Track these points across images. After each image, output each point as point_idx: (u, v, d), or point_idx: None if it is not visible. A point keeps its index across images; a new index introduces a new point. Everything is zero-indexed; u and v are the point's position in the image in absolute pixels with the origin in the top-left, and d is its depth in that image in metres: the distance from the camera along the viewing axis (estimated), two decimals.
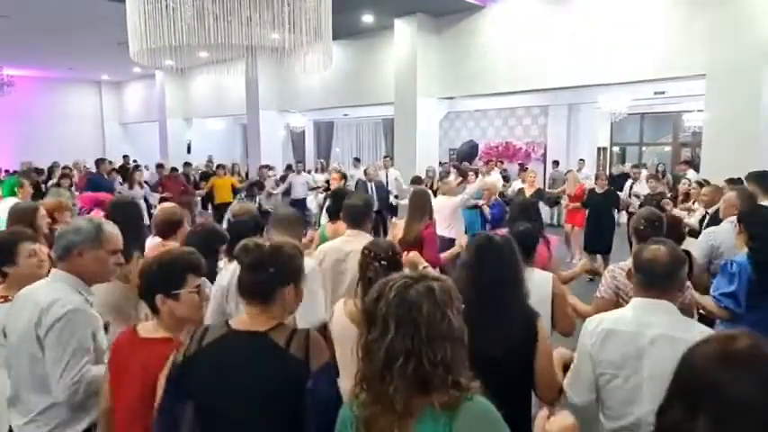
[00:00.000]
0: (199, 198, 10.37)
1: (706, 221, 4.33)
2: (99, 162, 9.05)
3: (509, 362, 1.87)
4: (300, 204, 10.05)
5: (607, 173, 10.71)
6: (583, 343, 1.91)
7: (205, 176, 11.35)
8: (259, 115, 13.34)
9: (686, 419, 1.00)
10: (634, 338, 1.80)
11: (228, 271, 2.52)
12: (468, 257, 2.12)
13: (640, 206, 6.09)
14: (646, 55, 7.70)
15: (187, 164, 12.06)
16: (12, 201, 5.02)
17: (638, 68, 7.86)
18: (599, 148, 13.58)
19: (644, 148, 14.33)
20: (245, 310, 1.63)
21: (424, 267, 3.13)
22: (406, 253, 3.19)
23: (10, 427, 1.98)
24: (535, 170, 9.93)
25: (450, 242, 5.10)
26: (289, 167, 11.71)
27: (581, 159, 12.16)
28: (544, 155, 13.30)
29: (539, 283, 2.52)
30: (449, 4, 9.32)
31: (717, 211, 4.11)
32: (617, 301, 2.62)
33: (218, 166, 11.15)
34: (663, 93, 10.27)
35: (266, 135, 13.52)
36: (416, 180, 8.31)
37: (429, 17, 9.94)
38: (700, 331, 1.73)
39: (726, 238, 3.31)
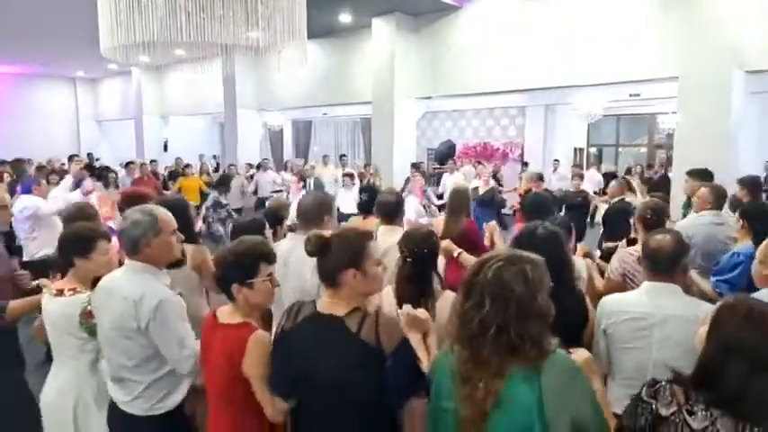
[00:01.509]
0: None
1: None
2: (70, 159, 8.84)
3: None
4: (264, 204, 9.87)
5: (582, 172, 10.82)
6: (599, 321, 2.17)
7: (173, 176, 10.96)
8: (236, 114, 13.21)
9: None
10: (646, 317, 2.07)
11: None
12: (510, 248, 2.16)
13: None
14: (620, 57, 7.82)
15: (153, 161, 11.66)
16: (28, 198, 5.11)
17: (613, 70, 7.98)
18: (575, 149, 13.76)
19: (620, 149, 14.58)
20: (327, 294, 1.77)
21: (459, 254, 3.42)
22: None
23: (111, 400, 2.15)
24: (485, 168, 9.81)
25: None
26: (258, 166, 11.55)
27: (555, 160, 12.29)
28: (522, 155, 13.41)
29: (578, 269, 2.77)
30: (426, 4, 9.35)
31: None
32: (624, 282, 2.90)
33: (186, 166, 10.84)
34: (638, 95, 10.44)
35: (244, 134, 13.41)
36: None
37: (407, 16, 9.95)
38: (706, 309, 1.91)
39: (697, 231, 3.51)
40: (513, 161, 13.49)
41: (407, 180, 8.38)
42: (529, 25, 8.75)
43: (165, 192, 9.95)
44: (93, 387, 2.26)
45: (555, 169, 11.68)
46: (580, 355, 1.61)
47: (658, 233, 2.19)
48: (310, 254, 1.77)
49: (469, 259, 3.34)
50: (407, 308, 1.77)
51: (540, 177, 6.70)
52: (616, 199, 5.70)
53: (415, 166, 9.43)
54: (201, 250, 2.87)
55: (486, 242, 3.92)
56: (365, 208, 4.15)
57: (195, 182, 10.15)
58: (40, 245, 4.97)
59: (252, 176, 11.10)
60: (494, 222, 3.98)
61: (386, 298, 2.41)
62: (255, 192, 10.37)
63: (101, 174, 10.94)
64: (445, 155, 13.92)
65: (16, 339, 2.95)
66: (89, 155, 15.65)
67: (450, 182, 9.01)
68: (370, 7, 9.72)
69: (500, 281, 1.40)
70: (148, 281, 2.04)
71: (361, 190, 5.35)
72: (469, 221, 4.10)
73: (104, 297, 2.08)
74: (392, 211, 3.34)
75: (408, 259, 2.30)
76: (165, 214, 2.13)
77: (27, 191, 5.34)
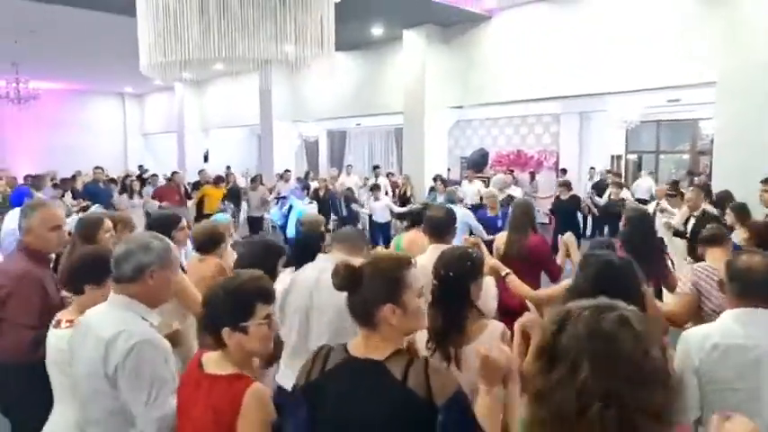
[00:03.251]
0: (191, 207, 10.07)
1: (691, 223, 4.47)
2: (95, 171, 9.35)
3: None
4: (257, 222, 9.93)
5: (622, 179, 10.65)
6: (687, 358, 1.84)
7: (197, 186, 11.10)
8: (272, 125, 13.57)
9: None
10: (746, 350, 1.79)
11: (282, 283, 2.42)
12: (584, 282, 1.93)
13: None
14: (655, 62, 7.65)
15: (175, 172, 11.67)
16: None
17: (648, 76, 7.80)
18: (613, 156, 13.44)
19: (661, 156, 14.15)
20: (361, 334, 1.49)
21: (507, 274, 3.04)
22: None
23: None
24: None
25: None
26: (280, 176, 11.69)
27: (591, 168, 12.05)
28: (556, 163, 13.21)
29: None
30: (456, 15, 9.40)
31: (703, 212, 4.28)
32: (699, 299, 2.64)
33: (226, 176, 11.05)
34: (677, 100, 10.16)
35: (280, 144, 13.74)
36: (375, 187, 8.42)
37: (437, 28, 10.02)
38: None
39: None
40: (547, 169, 13.30)
41: (431, 189, 8.42)
42: (560, 31, 8.67)
43: (187, 200, 10.27)
44: None
45: (591, 177, 11.41)
46: (742, 424, 1.12)
47: (745, 253, 2.00)
48: (339, 287, 1.49)
49: (517, 282, 3.05)
50: (482, 347, 1.43)
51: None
52: (699, 210, 5.06)
53: (440, 178, 9.36)
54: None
55: (560, 259, 3.65)
56: (415, 222, 3.92)
57: (219, 192, 10.17)
58: None
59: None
60: (570, 234, 3.69)
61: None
62: (277, 201, 10.57)
63: (145, 181, 11.50)
64: (478, 163, 13.87)
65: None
66: (140, 167, 16.37)
67: (469, 191, 8.96)
68: (401, 20, 9.86)
69: (599, 334, 1.03)
70: (128, 319, 1.75)
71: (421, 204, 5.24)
72: (537, 237, 3.78)
73: (82, 333, 1.82)
74: (442, 228, 3.07)
75: (434, 282, 2.01)
76: (176, 251, 1.92)
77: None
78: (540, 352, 1.12)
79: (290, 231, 7.31)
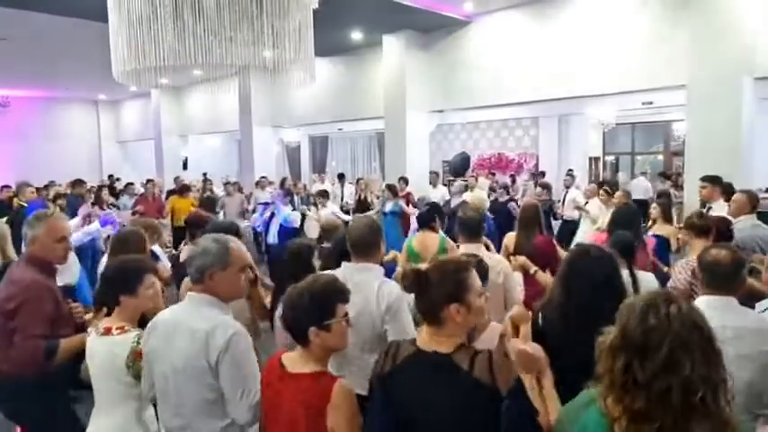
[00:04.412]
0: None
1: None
2: (76, 183, 8.97)
3: None
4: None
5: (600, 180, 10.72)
6: None
7: (170, 195, 10.49)
8: (252, 131, 13.45)
9: None
10: (724, 331, 1.93)
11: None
12: (563, 268, 2.10)
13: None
14: (630, 66, 7.78)
15: (150, 180, 11.02)
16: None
17: (623, 80, 7.93)
18: (590, 158, 13.65)
19: (637, 158, 14.43)
20: (426, 329, 1.65)
21: (536, 271, 3.33)
22: (514, 260, 3.44)
23: None
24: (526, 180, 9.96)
25: None
26: (256, 183, 11.43)
27: (569, 170, 11.98)
28: (536, 165, 13.35)
29: (647, 283, 2.77)
30: (436, 20, 9.44)
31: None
32: (690, 292, 2.88)
33: (205, 181, 10.67)
34: (650, 103, 10.34)
35: (260, 150, 13.61)
36: (391, 187, 8.46)
37: (417, 33, 10.06)
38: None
39: (739, 235, 3.74)
40: (527, 171, 13.44)
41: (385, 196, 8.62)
42: (538, 37, 8.77)
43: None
44: None
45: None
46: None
47: (714, 247, 2.20)
48: (407, 290, 1.66)
49: (545, 277, 3.27)
50: (517, 342, 1.52)
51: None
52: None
53: (403, 180, 9.39)
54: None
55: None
56: (425, 221, 3.99)
57: (187, 202, 9.51)
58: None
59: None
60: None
61: None
62: (254, 209, 10.39)
63: (119, 194, 11.13)
64: (460, 166, 13.95)
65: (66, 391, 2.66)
66: (110, 176, 16.03)
67: (434, 196, 8.99)
68: (380, 25, 9.87)
69: (691, 324, 1.15)
70: (216, 314, 1.89)
71: (426, 204, 5.23)
72: (543, 237, 3.96)
73: (166, 334, 1.90)
74: (475, 229, 3.22)
75: None
76: (239, 249, 1.99)
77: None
78: (620, 347, 1.19)
79: (271, 238, 7.22)
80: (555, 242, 4.29)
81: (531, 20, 8.88)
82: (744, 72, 6.66)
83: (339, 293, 1.76)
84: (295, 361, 1.74)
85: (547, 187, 8.39)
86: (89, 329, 2.23)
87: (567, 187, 8.56)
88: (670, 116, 11.98)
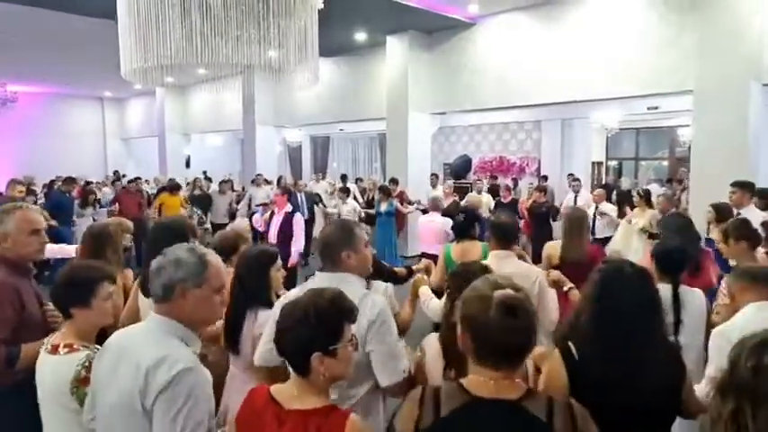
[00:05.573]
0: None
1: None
2: (69, 180, 8.95)
3: (659, 405, 1.65)
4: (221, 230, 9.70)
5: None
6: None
7: (160, 192, 10.43)
8: (255, 130, 13.49)
9: None
10: None
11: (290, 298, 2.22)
12: (593, 289, 1.79)
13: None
14: (635, 71, 7.78)
15: (137, 178, 11.04)
16: None
17: (628, 84, 7.93)
18: (593, 163, 13.64)
19: (641, 163, 14.41)
20: (482, 372, 1.33)
21: (570, 288, 2.97)
22: (546, 273, 3.06)
23: None
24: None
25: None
26: (252, 181, 11.50)
27: (569, 174, 11.96)
28: (538, 169, 13.35)
29: (691, 303, 2.47)
30: (440, 22, 9.46)
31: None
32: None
33: (207, 179, 10.71)
34: (656, 108, 10.34)
35: (262, 149, 13.65)
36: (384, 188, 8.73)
37: (420, 34, 10.09)
38: None
39: None
40: (529, 175, 13.44)
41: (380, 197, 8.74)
42: (543, 40, 8.78)
43: (147, 208, 9.82)
44: None
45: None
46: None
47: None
48: (500, 329, 1.34)
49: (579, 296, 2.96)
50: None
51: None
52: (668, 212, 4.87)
53: (393, 181, 9.64)
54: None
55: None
56: (464, 232, 3.90)
57: (176, 199, 9.64)
58: None
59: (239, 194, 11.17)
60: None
61: (433, 361, 2.00)
62: (249, 207, 10.39)
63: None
64: (461, 169, 13.96)
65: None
66: (115, 172, 16.16)
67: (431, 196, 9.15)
68: (384, 26, 9.90)
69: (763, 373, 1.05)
70: (171, 344, 1.53)
71: (462, 212, 5.12)
72: (594, 245, 3.80)
73: (112, 360, 1.58)
74: (508, 235, 3.07)
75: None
76: (217, 264, 1.64)
77: None
78: (729, 388, 1.10)
79: (273, 238, 7.23)
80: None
81: (537, 22, 8.89)
82: (751, 77, 6.67)
83: (348, 312, 1.48)
84: (290, 395, 1.45)
85: (544, 190, 8.47)
86: (43, 343, 1.92)
87: (576, 192, 8.63)
88: (675, 121, 11.97)
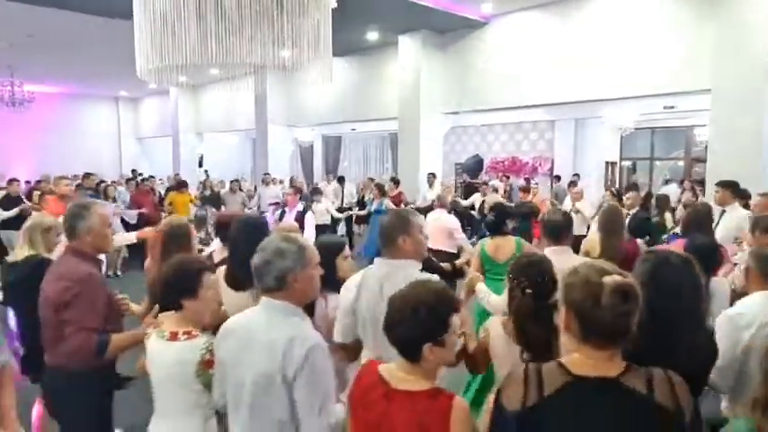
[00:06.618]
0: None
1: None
2: (85, 176, 9.15)
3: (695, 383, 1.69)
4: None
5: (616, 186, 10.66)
6: (737, 336, 2.13)
7: (170, 191, 10.69)
8: (267, 129, 13.56)
9: None
10: None
11: (353, 282, 2.30)
12: (641, 277, 1.73)
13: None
14: (651, 70, 7.71)
15: (151, 176, 11.25)
16: None
17: (644, 83, 7.87)
18: (607, 163, 13.50)
19: (656, 163, 14.22)
20: (585, 351, 1.35)
21: None
22: None
23: None
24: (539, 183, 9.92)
25: (450, 256, 5.16)
26: (262, 180, 11.59)
27: (575, 174, 11.80)
28: (551, 169, 13.25)
29: (721, 294, 2.66)
30: (452, 21, 9.44)
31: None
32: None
33: (180, 183, 10.39)
34: (672, 107, 10.21)
35: (275, 149, 13.73)
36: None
37: (433, 33, 10.07)
38: None
39: None
40: (542, 175, 13.33)
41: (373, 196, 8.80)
42: (556, 38, 8.72)
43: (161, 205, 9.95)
44: None
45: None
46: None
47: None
48: (609, 305, 1.34)
49: None
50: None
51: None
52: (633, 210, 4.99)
53: (394, 180, 9.71)
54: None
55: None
56: (496, 228, 3.98)
57: (185, 197, 9.84)
58: None
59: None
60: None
61: (497, 341, 2.09)
62: (259, 206, 10.50)
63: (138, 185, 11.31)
64: (473, 169, 13.90)
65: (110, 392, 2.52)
66: (133, 171, 16.33)
67: (430, 196, 9.07)
68: (396, 25, 9.89)
69: None
70: (296, 323, 1.72)
71: (491, 209, 5.15)
72: (630, 242, 3.83)
73: (241, 342, 1.74)
74: (560, 231, 3.17)
75: (528, 291, 1.99)
76: (310, 245, 1.83)
77: None
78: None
79: None
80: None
81: (550, 21, 8.84)
82: None
83: (453, 305, 1.58)
84: (400, 377, 1.56)
85: (527, 191, 8.56)
86: (146, 329, 2.10)
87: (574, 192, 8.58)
88: (691, 121, 11.80)
